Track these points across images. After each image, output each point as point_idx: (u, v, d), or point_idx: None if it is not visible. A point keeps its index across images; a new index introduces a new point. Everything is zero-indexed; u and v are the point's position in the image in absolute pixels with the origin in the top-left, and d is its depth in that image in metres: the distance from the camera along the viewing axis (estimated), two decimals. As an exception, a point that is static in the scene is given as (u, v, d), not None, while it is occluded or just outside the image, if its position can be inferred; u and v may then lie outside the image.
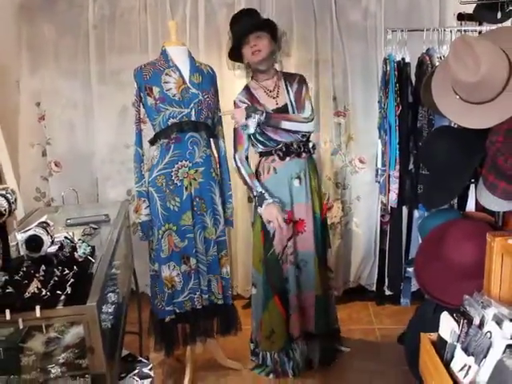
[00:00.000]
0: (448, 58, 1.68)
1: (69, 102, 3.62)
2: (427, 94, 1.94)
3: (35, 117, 3.65)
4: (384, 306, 3.55)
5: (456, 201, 2.33)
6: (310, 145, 2.65)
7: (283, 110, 2.57)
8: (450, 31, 2.59)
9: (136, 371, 2.10)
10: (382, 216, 3.39)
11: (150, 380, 2.10)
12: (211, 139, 2.56)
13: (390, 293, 3.47)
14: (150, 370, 2.15)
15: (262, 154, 2.65)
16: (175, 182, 2.42)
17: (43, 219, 1.84)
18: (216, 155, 2.62)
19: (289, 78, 2.66)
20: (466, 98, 1.67)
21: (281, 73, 2.68)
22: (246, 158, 2.62)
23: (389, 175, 2.62)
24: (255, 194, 2.58)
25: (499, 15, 1.99)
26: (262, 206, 2.53)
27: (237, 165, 2.60)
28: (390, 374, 2.71)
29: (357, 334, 3.16)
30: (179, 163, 2.42)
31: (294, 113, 2.58)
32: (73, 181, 3.55)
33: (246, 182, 2.62)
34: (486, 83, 1.59)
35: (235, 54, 2.56)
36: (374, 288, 3.62)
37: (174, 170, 2.42)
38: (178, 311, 2.53)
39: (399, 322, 3.08)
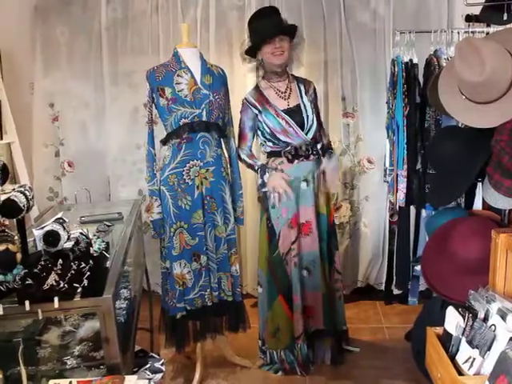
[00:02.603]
0: (454, 59, 1.72)
1: (81, 102, 3.69)
2: (434, 94, 1.98)
3: (49, 118, 3.73)
4: (392, 305, 3.57)
5: (463, 199, 2.35)
6: (319, 146, 2.68)
7: (295, 110, 2.61)
8: (458, 32, 2.62)
9: (148, 366, 2.15)
10: (391, 216, 3.42)
11: (161, 374, 2.14)
12: (222, 139, 2.61)
13: (399, 292, 3.50)
14: (162, 365, 2.19)
15: (270, 155, 2.68)
16: (187, 181, 2.47)
17: (59, 216, 1.90)
18: (226, 155, 2.66)
19: (301, 82, 2.71)
20: (471, 97, 1.71)
21: (292, 76, 2.72)
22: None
23: (397, 175, 2.65)
24: (257, 167, 2.63)
25: (505, 17, 2.02)
26: (266, 174, 2.58)
27: (239, 157, 2.68)
28: (398, 371, 2.73)
29: (365, 333, 3.19)
30: (190, 162, 2.46)
31: (306, 113, 2.62)
32: (85, 180, 3.62)
33: (248, 164, 2.68)
34: (490, 83, 1.63)
35: (249, 51, 2.59)
36: (382, 287, 3.64)
37: (185, 169, 2.46)
38: (188, 308, 2.57)
39: (407, 320, 3.10)
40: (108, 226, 2.34)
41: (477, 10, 2.64)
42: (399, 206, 2.79)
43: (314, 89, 2.75)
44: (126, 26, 3.57)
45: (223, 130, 2.60)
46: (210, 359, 2.88)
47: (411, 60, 2.63)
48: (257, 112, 2.61)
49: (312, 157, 2.64)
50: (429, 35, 2.76)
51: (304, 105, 2.64)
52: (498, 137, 1.70)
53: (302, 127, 2.60)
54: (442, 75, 1.88)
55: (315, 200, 2.67)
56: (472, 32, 2.62)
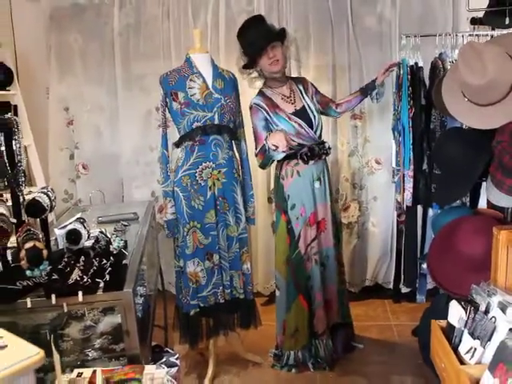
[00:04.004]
0: (457, 63, 1.79)
1: (95, 106, 3.78)
2: (438, 96, 2.05)
3: (64, 122, 3.82)
4: (401, 303, 3.63)
5: (468, 198, 2.42)
6: (327, 146, 2.76)
7: (303, 112, 2.69)
8: (462, 36, 2.68)
9: (164, 360, 2.23)
10: (399, 215, 3.48)
11: (176, 368, 2.21)
12: (233, 141, 2.68)
13: (407, 290, 3.55)
14: (177, 359, 2.27)
15: (284, 157, 2.70)
16: (199, 182, 2.55)
17: (79, 215, 1.99)
18: (238, 156, 2.74)
19: (299, 82, 2.78)
20: (473, 100, 1.77)
21: (290, 78, 2.80)
22: None
23: (403, 175, 2.72)
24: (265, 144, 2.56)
25: (507, 21, 2.08)
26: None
27: (258, 164, 2.70)
28: (406, 367, 2.79)
29: (374, 330, 3.25)
30: (203, 164, 2.54)
31: (312, 114, 2.69)
32: (99, 182, 3.72)
33: (265, 161, 2.65)
34: (492, 86, 1.70)
35: (247, 64, 2.66)
36: (390, 286, 3.70)
37: (198, 170, 2.54)
38: (201, 305, 2.65)
39: (415, 318, 3.13)
40: (125, 225, 2.43)
41: (482, 13, 2.70)
42: (406, 206, 2.85)
43: (311, 84, 2.81)
44: (138, 31, 3.65)
45: (234, 132, 2.67)
46: (222, 356, 2.95)
47: (416, 63, 2.69)
48: (267, 116, 2.66)
49: (323, 156, 2.73)
50: (435, 38, 2.83)
51: (308, 105, 2.71)
52: (500, 138, 1.76)
53: (311, 127, 2.68)
54: (446, 78, 1.95)
55: (328, 197, 2.76)
56: (476, 35, 2.68)
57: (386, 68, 2.63)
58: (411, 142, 2.63)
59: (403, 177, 2.71)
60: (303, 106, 2.70)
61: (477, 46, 1.73)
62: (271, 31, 2.59)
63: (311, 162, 2.68)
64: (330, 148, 2.78)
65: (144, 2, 3.61)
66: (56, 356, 1.11)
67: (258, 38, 2.54)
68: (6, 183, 1.73)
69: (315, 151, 2.68)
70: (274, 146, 2.40)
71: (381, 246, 3.65)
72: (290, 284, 2.79)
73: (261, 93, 2.71)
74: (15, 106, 3.48)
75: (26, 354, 0.77)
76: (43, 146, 3.78)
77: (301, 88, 2.74)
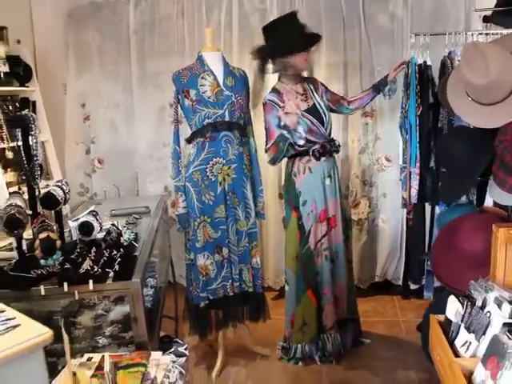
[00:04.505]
0: (460, 63, 1.82)
1: (111, 103, 3.88)
2: (444, 95, 2.08)
3: (80, 117, 3.93)
4: (409, 300, 3.65)
5: (475, 196, 2.44)
6: (337, 143, 2.80)
7: (314, 110, 2.72)
8: (472, 34, 2.69)
9: (172, 349, 2.29)
10: (408, 213, 3.49)
11: (184, 358, 2.28)
12: (243, 138, 2.73)
13: (416, 287, 3.58)
14: (185, 349, 2.33)
15: (295, 155, 2.75)
16: (210, 177, 2.61)
17: (92, 208, 2.06)
18: (247, 152, 2.78)
19: (310, 81, 2.82)
20: (477, 99, 1.80)
21: (303, 77, 2.83)
22: None
23: (410, 172, 2.74)
24: (279, 135, 2.64)
25: (514, 20, 2.10)
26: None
27: (267, 159, 2.75)
28: (412, 363, 2.82)
29: (382, 326, 3.28)
30: (214, 160, 2.60)
31: (323, 111, 2.74)
32: (114, 177, 3.82)
33: (277, 155, 2.69)
34: (495, 85, 1.72)
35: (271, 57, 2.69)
36: (399, 282, 3.72)
37: (208, 166, 2.60)
38: (211, 297, 2.71)
39: (422, 315, 3.18)
40: (136, 218, 2.50)
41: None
42: (412, 203, 2.88)
43: (321, 83, 2.86)
44: (153, 29, 3.73)
45: (244, 129, 2.72)
46: (231, 347, 3.01)
47: (425, 62, 2.71)
48: (282, 112, 2.65)
49: (334, 153, 2.78)
50: (446, 36, 2.84)
51: (318, 103, 2.76)
52: (502, 137, 1.79)
53: (322, 124, 2.72)
54: (451, 77, 1.98)
55: (338, 193, 2.81)
56: (486, 33, 2.68)
57: (398, 65, 2.67)
58: (418, 140, 2.65)
59: (409, 174, 2.73)
60: (314, 104, 2.74)
61: (480, 46, 1.76)
62: (314, 35, 2.64)
63: (323, 159, 2.72)
64: (339, 145, 2.83)
65: (158, 0, 3.68)
66: (65, 336, 1.18)
67: (298, 37, 2.59)
68: (24, 177, 1.80)
69: (327, 148, 2.72)
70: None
71: (390, 242, 3.68)
72: (300, 279, 2.83)
73: (274, 89, 2.74)
74: (34, 102, 3.60)
75: (37, 332, 0.84)
76: (60, 140, 3.89)
77: (311, 87, 2.79)
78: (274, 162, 2.78)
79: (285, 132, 2.61)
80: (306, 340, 2.89)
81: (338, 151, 2.81)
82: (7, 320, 0.87)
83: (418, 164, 2.65)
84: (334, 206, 2.80)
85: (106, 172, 3.93)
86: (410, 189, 2.60)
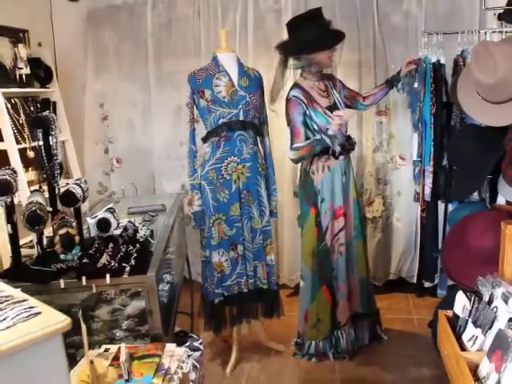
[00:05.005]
0: (470, 62, 1.84)
1: (129, 103, 3.96)
2: (455, 94, 2.10)
3: (99, 117, 4.01)
4: (423, 297, 3.66)
5: (488, 194, 2.44)
6: (354, 141, 2.85)
7: (335, 106, 2.76)
8: (485, 33, 2.69)
9: (187, 344, 2.36)
10: (422, 211, 3.50)
11: (199, 352, 2.34)
12: (258, 137, 2.78)
13: (430, 285, 3.58)
14: (200, 344, 2.39)
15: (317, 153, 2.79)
16: (225, 175, 2.66)
17: (109, 206, 2.13)
18: (262, 151, 2.83)
19: (329, 78, 2.85)
20: (486, 97, 1.83)
21: (323, 74, 2.85)
22: None
23: (423, 170, 2.75)
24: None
25: (525, 19, 2.11)
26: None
27: (293, 157, 2.76)
28: (423, 359, 2.84)
29: (395, 323, 3.30)
30: (229, 159, 2.65)
31: (342, 108, 2.77)
32: (132, 176, 3.89)
33: (301, 156, 2.72)
34: (503, 84, 1.74)
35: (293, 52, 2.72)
36: (414, 280, 3.73)
37: (223, 165, 2.65)
38: (226, 294, 2.76)
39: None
40: (152, 216, 2.57)
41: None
42: (426, 201, 2.89)
43: (338, 80, 2.90)
44: (169, 30, 3.80)
45: (259, 128, 2.77)
46: (245, 343, 3.05)
47: (439, 60, 2.73)
48: (306, 109, 2.70)
49: (350, 152, 2.83)
50: (459, 35, 2.84)
51: (338, 100, 2.79)
52: (511, 135, 1.81)
53: None
54: (461, 76, 2.01)
55: (352, 190, 2.84)
56: (500, 31, 2.68)
57: (409, 60, 2.70)
58: (432, 138, 2.66)
59: (423, 171, 2.75)
60: (334, 101, 2.78)
61: (489, 45, 1.78)
62: (340, 33, 2.68)
63: (341, 157, 2.76)
64: (355, 143, 2.88)
65: (175, 2, 3.75)
66: (83, 326, 1.24)
67: (325, 34, 2.63)
68: (44, 176, 1.88)
69: (346, 147, 2.77)
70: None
71: (404, 240, 3.70)
72: (315, 275, 2.87)
73: (297, 85, 2.74)
74: (54, 103, 3.69)
75: (56, 319, 0.90)
76: (79, 140, 3.97)
77: (330, 83, 2.82)
78: (299, 161, 2.81)
79: (323, 136, 2.63)
80: (319, 337, 2.92)
81: (353, 149, 2.86)
82: (30, 308, 0.94)
83: (431, 162, 2.66)
84: (348, 203, 2.83)
85: (124, 171, 4.01)
86: (423, 186, 2.60)
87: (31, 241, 2.35)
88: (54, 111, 3.65)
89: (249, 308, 2.87)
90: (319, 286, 2.87)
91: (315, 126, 2.71)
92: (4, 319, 0.89)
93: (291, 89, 2.73)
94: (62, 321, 0.90)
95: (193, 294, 3.24)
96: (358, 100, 2.91)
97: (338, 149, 2.73)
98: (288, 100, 2.72)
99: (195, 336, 2.48)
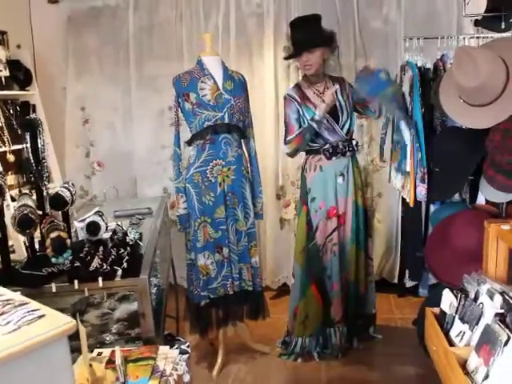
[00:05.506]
0: (452, 66, 1.90)
1: (110, 106, 3.94)
2: (437, 97, 2.15)
3: (80, 120, 3.98)
4: (405, 297, 3.73)
5: (467, 195, 2.51)
6: (354, 143, 2.87)
7: (331, 108, 2.76)
8: (464, 38, 2.77)
9: (175, 347, 2.36)
10: (403, 212, 3.57)
11: (187, 355, 2.34)
12: (242, 140, 2.80)
13: (411, 285, 3.66)
14: (188, 347, 2.39)
15: (308, 152, 2.87)
16: (210, 178, 2.67)
17: (96, 209, 2.12)
18: (247, 154, 2.85)
19: (337, 81, 2.87)
20: (468, 101, 1.88)
21: (330, 76, 2.90)
22: None
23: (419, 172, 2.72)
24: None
25: (503, 25, 2.18)
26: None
27: (288, 151, 2.84)
28: (407, 358, 2.89)
29: (378, 323, 3.33)
30: (214, 162, 2.67)
31: (341, 111, 2.81)
32: (113, 179, 3.87)
33: (296, 148, 2.81)
34: (485, 88, 1.80)
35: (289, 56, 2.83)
36: (395, 280, 3.80)
37: (209, 167, 2.67)
38: (212, 296, 2.77)
39: (417, 312, 3.26)
40: (140, 219, 2.56)
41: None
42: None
43: (349, 84, 2.90)
44: (151, 33, 3.80)
45: (243, 131, 2.79)
46: (231, 346, 3.06)
47: (423, 65, 2.78)
48: (299, 107, 2.80)
49: (348, 153, 2.84)
50: (438, 40, 2.91)
51: (340, 104, 2.81)
52: (492, 136, 1.87)
53: (337, 123, 2.79)
54: (443, 80, 2.06)
55: (351, 192, 2.86)
56: (478, 37, 2.76)
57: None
58: (424, 140, 2.65)
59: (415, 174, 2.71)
60: (336, 104, 2.79)
61: (471, 50, 1.84)
62: (311, 38, 2.70)
63: (334, 158, 2.80)
64: (357, 145, 2.90)
65: (157, 5, 3.75)
66: (82, 328, 1.24)
67: (298, 41, 2.71)
68: (33, 179, 1.86)
69: (339, 148, 2.79)
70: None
71: (386, 241, 3.76)
72: (304, 272, 2.90)
73: (296, 85, 2.88)
74: (34, 106, 3.64)
75: (62, 321, 0.90)
76: (60, 144, 3.93)
77: (337, 87, 2.82)
78: (294, 153, 2.88)
79: (310, 122, 2.72)
80: (306, 334, 2.95)
81: (353, 150, 2.86)
82: (33, 311, 0.94)
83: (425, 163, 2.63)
84: (345, 204, 2.86)
85: (106, 174, 3.98)
86: (415, 188, 2.60)
87: (12, 245, 2.32)
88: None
89: (234, 310, 2.88)
90: (308, 284, 2.91)
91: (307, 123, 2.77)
92: (8, 323, 0.89)
93: (290, 88, 2.89)
94: (68, 322, 0.90)
95: (177, 297, 3.24)
96: (369, 107, 2.86)
97: (327, 146, 2.77)
98: (284, 98, 2.86)
99: (182, 339, 2.49)
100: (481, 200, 2.48)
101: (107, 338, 1.93)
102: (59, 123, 3.91)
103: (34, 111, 3.64)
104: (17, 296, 1.05)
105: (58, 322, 0.90)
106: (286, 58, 2.92)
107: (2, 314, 0.93)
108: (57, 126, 3.86)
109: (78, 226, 1.98)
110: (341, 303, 2.91)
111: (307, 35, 2.70)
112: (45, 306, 0.98)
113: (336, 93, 2.80)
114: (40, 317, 0.92)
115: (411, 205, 2.68)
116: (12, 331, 0.87)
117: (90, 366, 1.34)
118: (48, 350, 0.87)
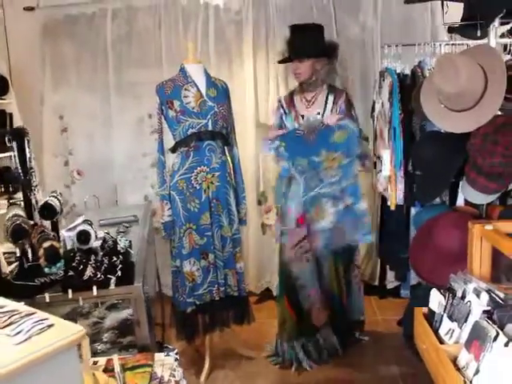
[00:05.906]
0: (433, 72, 1.96)
1: (89, 114, 3.90)
2: (417, 102, 2.22)
3: (58, 129, 3.93)
4: (386, 299, 3.79)
5: (448, 197, 2.58)
6: None
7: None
8: (440, 45, 2.85)
9: (164, 354, 2.36)
10: (382, 215, 3.62)
11: (176, 362, 2.36)
12: (226, 147, 2.82)
13: (392, 286, 3.72)
14: (176, 354, 2.41)
15: None
16: (195, 185, 2.69)
17: (82, 218, 2.12)
18: (230, 161, 2.88)
19: (333, 92, 2.90)
20: (449, 106, 1.95)
21: (328, 86, 2.91)
22: None
23: (395, 176, 2.79)
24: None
25: (479, 33, 2.26)
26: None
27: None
28: (392, 358, 2.95)
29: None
30: (198, 168, 2.68)
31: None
32: (93, 188, 3.81)
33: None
34: (465, 93, 1.87)
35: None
36: (376, 283, 3.85)
37: (193, 174, 2.68)
38: (198, 303, 2.78)
39: (400, 312, 3.29)
40: (127, 227, 2.56)
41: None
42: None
43: (347, 98, 2.90)
44: (130, 40, 3.78)
45: (227, 138, 2.81)
46: (217, 351, 3.07)
47: (402, 72, 2.85)
48: (283, 112, 2.92)
49: None
50: (414, 47, 2.99)
51: (326, 114, 2.84)
52: (473, 140, 1.95)
53: None
54: (424, 86, 2.13)
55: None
56: (453, 44, 2.84)
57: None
58: (402, 145, 2.72)
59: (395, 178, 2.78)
60: (317, 113, 2.84)
61: (452, 57, 1.91)
62: (302, 47, 2.76)
63: None
64: None
65: (136, 13, 3.75)
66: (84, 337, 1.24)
67: (291, 48, 2.81)
68: (21, 188, 1.85)
69: None
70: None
71: (366, 244, 3.80)
72: (281, 281, 2.96)
73: (290, 92, 3.00)
74: (10, 114, 3.60)
75: (72, 331, 0.91)
76: (38, 152, 3.85)
77: (330, 98, 2.86)
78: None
79: None
80: (284, 338, 2.96)
81: None
82: (42, 320, 0.94)
83: (402, 168, 2.71)
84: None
85: (85, 183, 3.94)
86: (396, 191, 2.68)
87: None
88: (11, 123, 3.57)
89: (220, 316, 2.88)
90: (282, 295, 2.96)
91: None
92: (18, 333, 0.89)
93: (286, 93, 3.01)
94: (79, 331, 0.91)
95: (163, 304, 3.23)
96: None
97: None
98: (277, 100, 3.03)
99: (170, 346, 2.49)
100: (460, 202, 2.56)
101: (99, 347, 1.93)
102: (37, 132, 3.85)
103: (11, 120, 3.59)
104: (21, 306, 1.05)
105: (67, 331, 0.91)
106: (279, 62, 3.00)
107: (10, 324, 0.93)
108: (34, 135, 3.78)
109: (67, 235, 1.97)
110: (323, 309, 2.93)
111: (300, 44, 2.77)
112: (53, 316, 0.98)
113: (325, 103, 2.85)
114: (49, 326, 0.92)
115: (392, 207, 2.76)
116: (23, 341, 0.87)
117: (93, 374, 1.34)
118: (59, 359, 0.88)
